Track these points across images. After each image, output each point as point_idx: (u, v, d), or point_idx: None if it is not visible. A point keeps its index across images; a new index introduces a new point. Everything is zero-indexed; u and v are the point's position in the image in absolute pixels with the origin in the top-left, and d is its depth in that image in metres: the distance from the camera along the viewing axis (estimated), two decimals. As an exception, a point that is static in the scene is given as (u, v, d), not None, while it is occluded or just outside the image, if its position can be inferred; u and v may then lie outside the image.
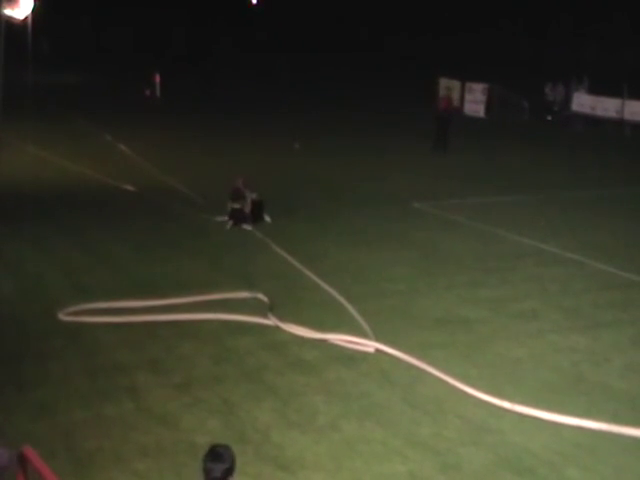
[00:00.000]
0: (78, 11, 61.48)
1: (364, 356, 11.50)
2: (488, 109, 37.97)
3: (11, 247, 15.65)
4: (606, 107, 35.04)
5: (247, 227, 18.01)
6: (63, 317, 12.35)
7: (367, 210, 19.72)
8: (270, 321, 12.52)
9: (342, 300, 13.51)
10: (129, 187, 21.25)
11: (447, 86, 34.97)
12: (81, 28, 59.86)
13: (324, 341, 11.89)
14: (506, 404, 10.06)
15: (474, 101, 38.41)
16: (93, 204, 19.57)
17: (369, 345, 11.74)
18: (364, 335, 12.01)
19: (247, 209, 18.24)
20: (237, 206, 18.18)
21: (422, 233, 17.95)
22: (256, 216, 18.31)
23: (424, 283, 14.64)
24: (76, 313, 12.49)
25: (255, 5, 70.99)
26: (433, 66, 41.86)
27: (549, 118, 36.85)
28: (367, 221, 18.78)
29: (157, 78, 39.50)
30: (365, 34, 62.15)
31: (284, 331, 12.18)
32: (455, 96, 34.46)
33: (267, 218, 18.49)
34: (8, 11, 25.48)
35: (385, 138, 30.86)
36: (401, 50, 57.17)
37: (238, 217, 18.11)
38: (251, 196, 18.35)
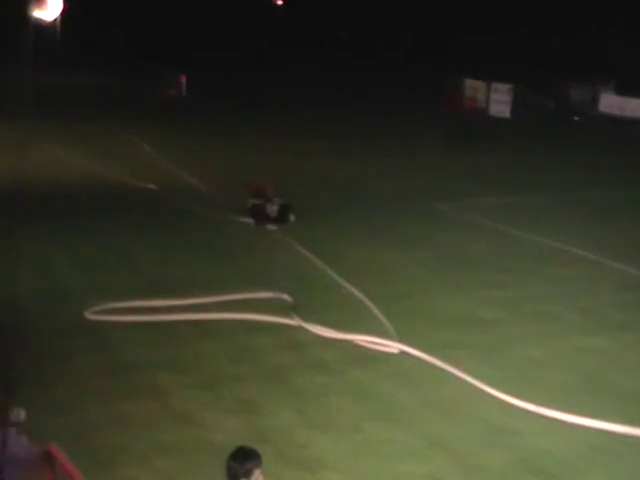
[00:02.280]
0: (107, 12, 61.94)
1: (387, 357, 11.50)
2: (513, 109, 37.79)
3: (36, 247, 15.77)
4: (635, 108, 34.69)
5: (271, 227, 18.07)
6: (89, 316, 12.46)
7: (387, 211, 19.71)
8: (293, 321, 12.55)
9: (365, 300, 13.52)
10: (153, 187, 21.39)
11: (473, 87, 34.85)
12: (110, 29, 60.28)
13: (347, 341, 11.90)
14: (530, 406, 10.01)
15: (499, 101, 38.24)
16: (117, 204, 19.71)
17: (393, 346, 11.73)
18: (387, 336, 12.01)
19: (273, 212, 18.27)
20: (258, 202, 18.27)
21: (442, 234, 17.92)
22: (281, 217, 18.36)
23: (444, 284, 14.63)
24: (101, 312, 12.60)
25: (281, 5, 71.13)
26: (458, 66, 41.70)
27: (575, 119, 36.59)
28: (387, 222, 18.78)
29: (183, 78, 39.73)
30: (388, 33, 62.06)
31: (307, 331, 12.21)
32: (481, 97, 34.34)
33: (292, 218, 18.52)
34: (37, 12, 25.71)
35: (404, 138, 30.80)
36: (423, 49, 57.05)
37: (260, 214, 18.17)
38: (279, 200, 18.41)
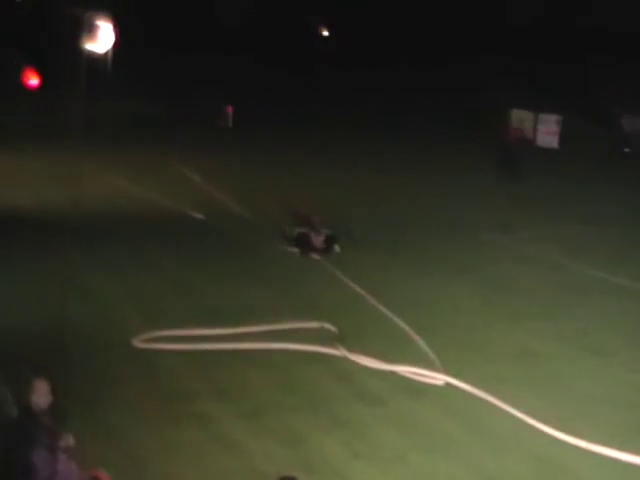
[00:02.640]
0: (156, 43, 63.15)
1: (433, 389, 11.42)
2: (562, 140, 37.50)
3: (86, 273, 16.02)
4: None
5: (316, 256, 18.13)
6: (137, 344, 12.60)
7: (434, 240, 19.65)
8: (338, 352, 12.55)
9: (410, 331, 13.46)
10: (199, 215, 21.63)
11: (520, 117, 34.69)
12: (159, 60, 61.43)
13: (392, 372, 11.85)
14: (581, 443, 9.83)
15: (547, 132, 37.99)
16: (166, 232, 19.95)
17: (438, 378, 11.65)
18: (433, 367, 11.94)
19: (318, 241, 18.35)
20: (303, 230, 18.37)
21: (490, 264, 17.79)
22: (327, 248, 18.41)
23: (492, 315, 14.50)
24: (149, 340, 12.73)
25: (326, 37, 71.80)
26: (504, 95, 41.58)
27: (626, 150, 36.15)
28: (434, 251, 18.71)
29: (229, 109, 40.22)
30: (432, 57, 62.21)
31: (352, 362, 12.19)
32: (527, 127, 34.17)
33: (337, 248, 18.56)
34: (89, 45, 26.29)
35: (453, 164, 30.71)
36: (473, 76, 57.02)
37: (305, 244, 18.25)
38: (325, 232, 18.50)
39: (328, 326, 13.55)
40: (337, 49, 67.90)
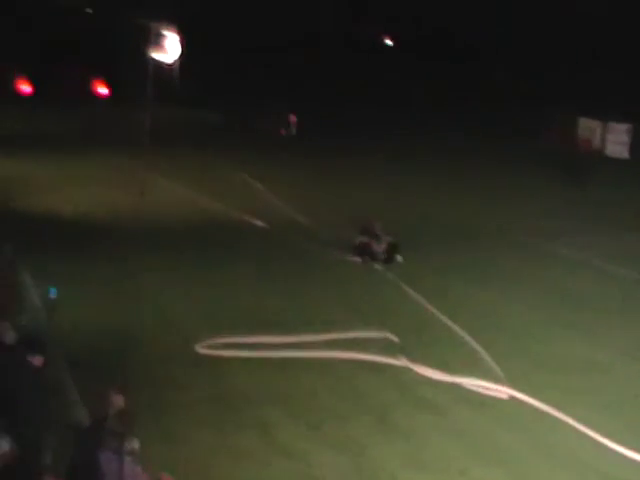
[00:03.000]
0: (223, 51, 63.96)
1: (496, 401, 11.29)
2: (632, 150, 36.66)
3: (152, 280, 16.28)
4: None
5: (378, 266, 18.10)
6: (199, 350, 12.74)
7: (490, 248, 19.48)
8: (400, 362, 12.50)
9: (472, 341, 13.34)
10: (261, 223, 21.78)
11: (587, 126, 34.05)
12: (223, 68, 62.18)
13: (455, 384, 11.75)
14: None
15: (617, 142, 37.22)
16: (229, 241, 20.13)
17: (502, 391, 11.51)
18: (496, 379, 11.80)
19: (379, 249, 18.33)
20: (365, 240, 18.35)
21: (547, 272, 17.57)
22: (388, 257, 18.37)
23: (554, 325, 14.30)
24: (211, 346, 12.86)
25: (392, 46, 71.75)
26: (570, 103, 40.91)
27: None
28: (491, 259, 18.56)
29: (293, 118, 40.44)
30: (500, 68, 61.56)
31: (414, 372, 12.13)
32: (596, 136, 33.54)
33: (399, 258, 18.50)
34: (157, 55, 26.72)
35: (505, 173, 30.33)
36: (538, 82, 56.22)
37: (367, 253, 18.24)
38: (387, 239, 18.47)
39: (389, 335, 13.51)
40: (398, 56, 67.85)
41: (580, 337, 13.73)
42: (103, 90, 49.46)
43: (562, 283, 16.78)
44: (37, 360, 8.72)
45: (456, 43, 66.07)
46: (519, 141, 37.69)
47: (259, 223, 21.90)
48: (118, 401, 7.95)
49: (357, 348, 12.93)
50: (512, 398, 11.33)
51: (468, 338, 13.52)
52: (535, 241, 20.05)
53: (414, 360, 12.41)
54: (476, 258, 18.62)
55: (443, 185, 27.90)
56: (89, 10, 76.90)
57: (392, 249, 18.47)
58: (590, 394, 11.55)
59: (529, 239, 20.18)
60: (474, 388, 11.66)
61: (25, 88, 48.66)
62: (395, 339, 13.35)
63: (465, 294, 16.01)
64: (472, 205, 24.50)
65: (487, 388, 11.60)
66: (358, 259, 18.37)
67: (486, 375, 11.94)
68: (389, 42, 70.47)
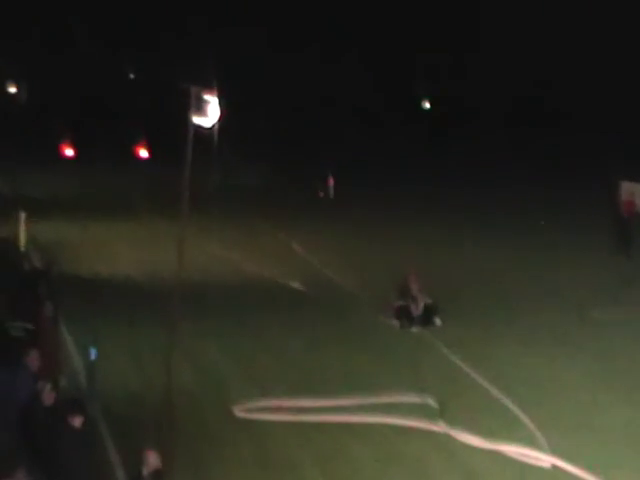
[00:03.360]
0: (260, 115, 65.09)
1: (539, 470, 11.04)
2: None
3: (193, 341, 16.31)
4: None
5: (416, 329, 17.97)
6: (238, 413, 12.69)
7: (540, 313, 19.14)
8: (440, 427, 12.32)
9: (515, 408, 13.10)
10: (298, 285, 21.82)
11: (630, 190, 33.62)
12: (261, 133, 63.18)
13: (496, 451, 11.53)
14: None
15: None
16: (267, 301, 20.18)
17: (544, 459, 11.25)
18: (539, 447, 11.55)
19: (417, 311, 18.23)
20: (402, 303, 18.25)
21: (600, 340, 17.17)
22: (426, 319, 18.24)
23: (604, 394, 13.95)
24: (250, 410, 12.80)
25: (429, 109, 72.53)
26: (612, 165, 40.62)
27: None
28: (541, 325, 18.21)
29: (330, 180, 40.77)
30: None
31: (454, 438, 11.94)
32: (638, 200, 33.08)
33: (438, 321, 18.35)
34: (197, 119, 27.27)
35: (560, 234, 29.98)
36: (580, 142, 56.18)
37: (405, 316, 18.13)
38: (425, 300, 18.37)
39: (428, 400, 13.35)
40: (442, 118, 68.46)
41: (628, 405, 13.39)
42: (144, 153, 50.43)
43: (616, 352, 16.39)
44: (77, 420, 8.77)
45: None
46: (570, 208, 37.10)
47: (296, 285, 21.95)
48: (154, 460, 7.94)
49: (396, 412, 12.78)
50: (555, 467, 11.06)
51: (510, 404, 13.28)
52: (589, 310, 19.63)
53: (454, 426, 12.22)
54: (523, 321, 18.31)
55: (491, 249, 27.43)
56: (131, 75, 78.95)
57: (429, 311, 18.34)
58: (637, 464, 11.22)
59: (582, 308, 19.76)
60: (515, 455, 11.42)
61: (68, 151, 49.78)
62: (434, 404, 13.18)
63: (510, 361, 15.74)
64: (519, 267, 24.14)
65: (529, 456, 11.36)
66: (396, 322, 18.27)
67: (528, 442, 11.69)
68: (427, 105, 71.28)
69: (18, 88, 34.60)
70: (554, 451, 11.46)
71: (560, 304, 20.17)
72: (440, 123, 68.10)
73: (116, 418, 12.22)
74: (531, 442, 11.75)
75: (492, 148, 60.19)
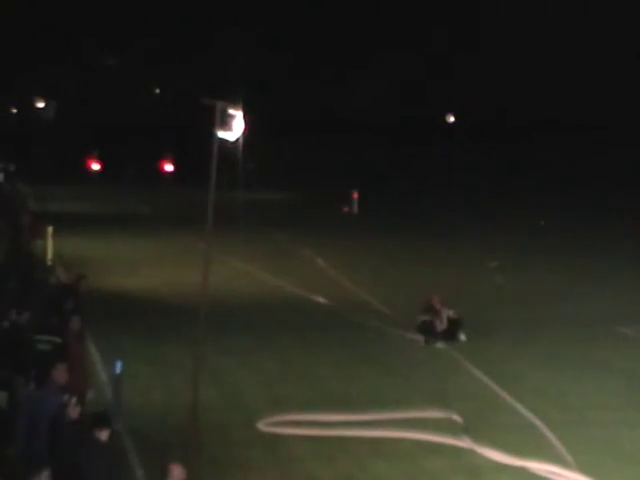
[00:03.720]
0: (282, 132, 65.40)
1: (566, 488, 10.91)
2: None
3: (216, 358, 16.31)
4: None
5: (441, 345, 17.86)
6: (262, 427, 12.68)
7: (566, 331, 18.90)
8: (465, 443, 12.23)
9: (542, 426, 12.97)
10: (326, 301, 21.79)
11: None
12: (285, 148, 63.43)
13: (523, 468, 11.41)
14: None
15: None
16: (291, 317, 20.17)
17: (572, 478, 11.12)
18: (565, 466, 11.41)
19: (441, 326, 18.13)
20: (427, 318, 18.15)
21: (629, 360, 16.91)
22: (451, 334, 18.14)
23: (633, 415, 13.73)
24: (274, 424, 12.79)
25: (453, 123, 72.51)
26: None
27: None
28: (567, 343, 17.98)
29: (355, 195, 40.79)
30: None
31: (480, 455, 11.84)
32: None
33: (462, 337, 18.23)
34: (221, 134, 27.44)
35: (588, 254, 29.64)
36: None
37: (429, 332, 18.03)
38: (448, 313, 18.27)
39: (453, 416, 13.25)
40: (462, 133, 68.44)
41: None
42: (169, 168, 50.82)
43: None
44: (102, 434, 8.80)
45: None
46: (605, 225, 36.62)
47: (321, 300, 21.93)
48: (179, 474, 7.94)
49: (420, 428, 12.70)
50: (583, 485, 10.93)
51: (537, 422, 13.15)
52: (616, 328, 19.37)
53: (479, 442, 12.12)
54: (550, 343, 17.99)
55: (516, 266, 27.19)
56: (157, 90, 79.63)
57: (454, 325, 18.23)
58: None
59: (609, 326, 19.48)
60: (542, 473, 11.29)
61: (95, 166, 50.28)
62: (459, 420, 13.08)
63: (536, 378, 15.55)
64: (549, 288, 23.83)
65: (556, 474, 11.23)
66: (420, 337, 18.18)
67: (555, 461, 11.56)
68: (452, 119, 71.25)
69: (46, 103, 35.03)
70: (582, 470, 11.31)
71: (589, 322, 19.91)
72: (464, 136, 68.10)
73: (141, 433, 12.24)
74: (558, 460, 11.61)
75: (514, 157, 59.98)
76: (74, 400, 9.62)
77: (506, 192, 48.07)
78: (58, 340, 12.14)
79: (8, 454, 9.46)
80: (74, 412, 9.50)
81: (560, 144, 65.32)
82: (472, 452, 11.95)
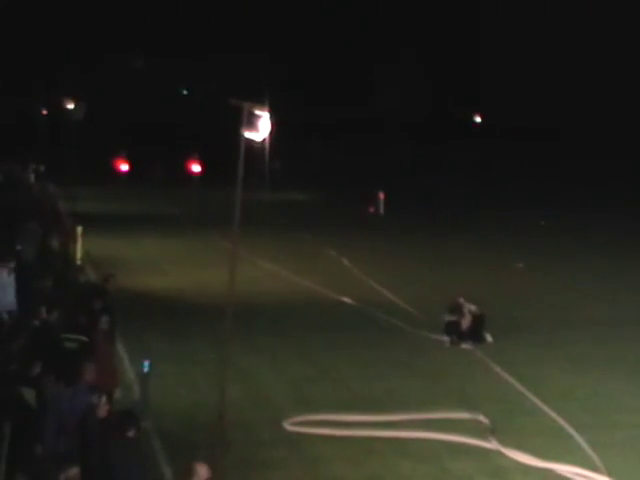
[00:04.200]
0: (308, 133, 65.53)
1: (593, 490, 10.84)
2: None
3: (242, 358, 16.39)
4: None
5: (467, 346, 17.80)
6: (287, 426, 12.73)
7: (594, 333, 18.77)
8: (491, 445, 12.19)
9: (569, 428, 12.90)
10: (351, 301, 21.80)
11: None
12: (311, 149, 63.52)
13: (549, 470, 11.36)
14: None
15: None
16: (317, 317, 20.21)
17: (598, 480, 11.08)
18: (594, 468, 11.34)
19: (466, 324, 18.07)
20: (453, 318, 18.10)
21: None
22: (476, 333, 18.06)
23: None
24: (300, 423, 12.83)
25: (479, 125, 72.18)
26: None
27: None
28: (594, 345, 17.87)
29: (381, 196, 40.72)
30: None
31: (506, 456, 11.80)
32: None
33: (489, 338, 18.15)
34: (248, 134, 27.57)
35: (618, 258, 29.32)
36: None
37: (455, 332, 17.98)
38: (470, 308, 18.18)
39: (480, 418, 13.22)
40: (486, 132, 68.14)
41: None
42: (196, 168, 51.04)
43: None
44: (130, 433, 8.89)
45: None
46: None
47: (347, 300, 21.94)
48: (204, 473, 8.00)
49: (446, 429, 12.68)
50: (611, 487, 10.87)
51: (564, 424, 13.08)
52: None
53: (505, 444, 12.08)
54: (578, 345, 17.85)
55: (544, 268, 27.00)
56: (184, 92, 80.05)
57: (478, 323, 18.12)
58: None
59: (634, 324, 19.30)
60: (569, 475, 11.23)
61: (123, 166, 50.64)
62: (486, 421, 13.05)
63: (563, 380, 15.46)
64: (578, 291, 23.58)
65: (584, 476, 11.16)
66: (446, 338, 18.14)
67: (582, 463, 11.49)
68: (478, 119, 70.95)
69: (75, 104, 35.40)
70: (610, 472, 11.24)
71: (617, 323, 19.76)
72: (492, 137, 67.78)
73: (168, 432, 12.33)
74: (585, 463, 11.55)
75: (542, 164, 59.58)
76: (103, 399, 9.73)
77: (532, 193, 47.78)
78: (84, 339, 12.27)
79: (37, 452, 9.58)
80: (103, 411, 9.62)
81: (588, 145, 64.80)
82: (498, 454, 11.91)
